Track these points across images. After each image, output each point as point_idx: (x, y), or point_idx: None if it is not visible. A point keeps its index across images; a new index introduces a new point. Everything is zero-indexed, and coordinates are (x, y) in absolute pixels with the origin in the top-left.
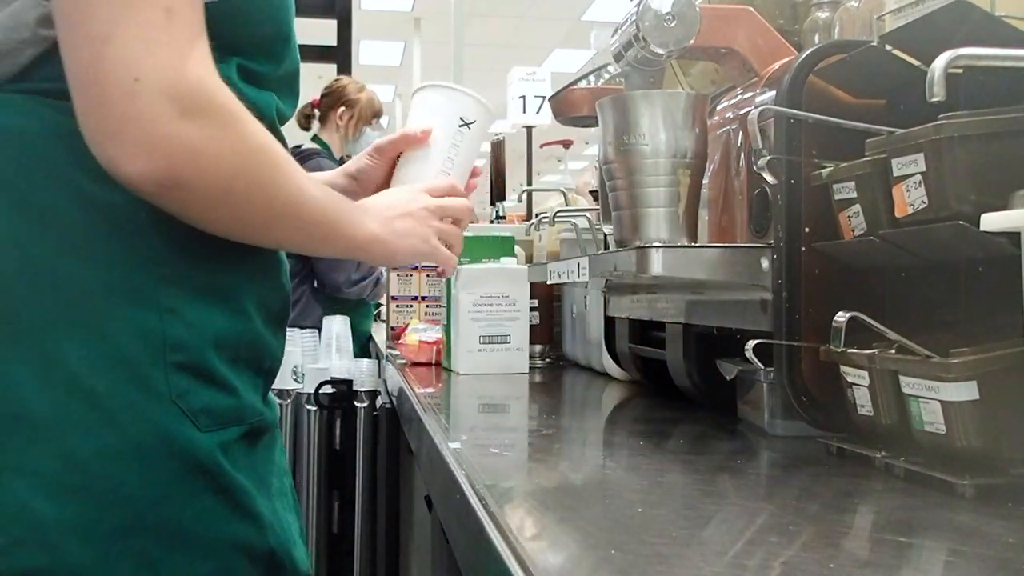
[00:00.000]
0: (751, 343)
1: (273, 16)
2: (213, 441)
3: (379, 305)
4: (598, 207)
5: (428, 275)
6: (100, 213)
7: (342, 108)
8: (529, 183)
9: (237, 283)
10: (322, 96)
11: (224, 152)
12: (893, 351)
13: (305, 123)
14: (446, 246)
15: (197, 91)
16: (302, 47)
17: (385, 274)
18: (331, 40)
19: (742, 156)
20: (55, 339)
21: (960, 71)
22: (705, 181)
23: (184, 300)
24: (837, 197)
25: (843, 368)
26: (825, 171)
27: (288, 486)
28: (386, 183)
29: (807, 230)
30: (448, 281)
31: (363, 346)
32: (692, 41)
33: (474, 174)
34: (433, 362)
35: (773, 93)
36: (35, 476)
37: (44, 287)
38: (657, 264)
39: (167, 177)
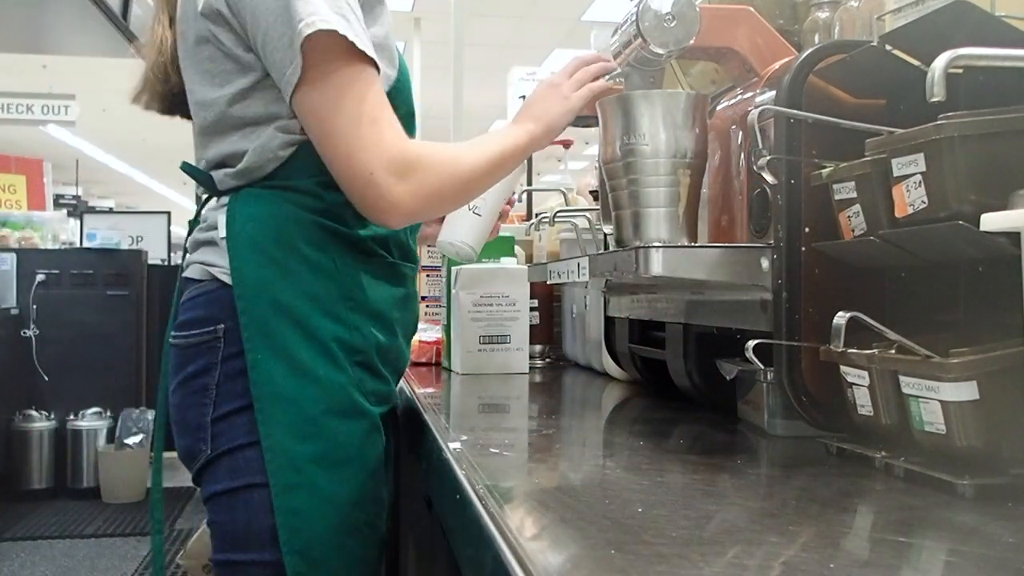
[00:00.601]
0: (751, 343)
1: (405, 99)
2: (377, 412)
3: None
4: (598, 207)
5: (428, 275)
6: (316, 268)
7: None
8: (529, 183)
9: (390, 312)
10: None
11: (435, 182)
12: (893, 351)
13: None
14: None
15: (401, 159)
16: None
17: None
18: None
19: (742, 156)
20: (292, 345)
21: (960, 71)
22: (705, 181)
23: (362, 321)
24: (837, 197)
25: (843, 368)
26: (825, 171)
27: (392, 453)
28: (438, 223)
29: (807, 230)
30: (448, 281)
31: None
32: (692, 41)
33: (509, 202)
34: (433, 362)
35: (773, 93)
36: (288, 428)
37: (284, 313)
38: (657, 264)
39: (413, 216)
